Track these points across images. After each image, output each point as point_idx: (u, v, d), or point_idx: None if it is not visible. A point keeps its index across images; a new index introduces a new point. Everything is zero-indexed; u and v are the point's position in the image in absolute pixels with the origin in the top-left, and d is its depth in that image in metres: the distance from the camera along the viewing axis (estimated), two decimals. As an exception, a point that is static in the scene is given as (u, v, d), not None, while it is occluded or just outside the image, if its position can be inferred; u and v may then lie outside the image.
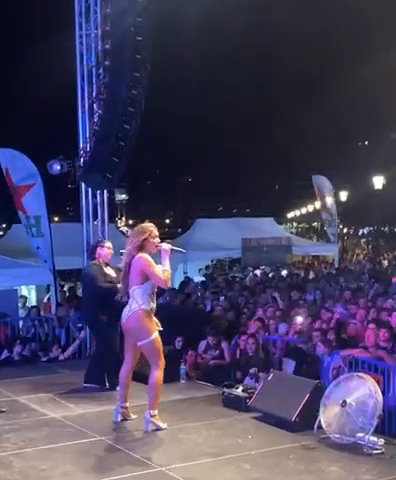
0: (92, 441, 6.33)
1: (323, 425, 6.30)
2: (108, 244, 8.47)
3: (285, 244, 22.15)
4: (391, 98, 36.05)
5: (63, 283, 17.52)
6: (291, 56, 42.32)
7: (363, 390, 6.21)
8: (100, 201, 10.88)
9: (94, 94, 10.49)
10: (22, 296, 13.86)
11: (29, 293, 15.48)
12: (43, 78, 32.70)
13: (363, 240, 48.47)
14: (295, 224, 66.54)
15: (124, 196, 64.12)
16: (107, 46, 10.10)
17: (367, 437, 5.99)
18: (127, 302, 6.61)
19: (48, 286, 14.24)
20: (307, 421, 6.43)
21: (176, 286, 16.89)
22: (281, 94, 46.92)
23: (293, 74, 45.84)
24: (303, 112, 42.53)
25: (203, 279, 18.69)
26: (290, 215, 63.54)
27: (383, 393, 6.53)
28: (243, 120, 50.01)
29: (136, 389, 7.09)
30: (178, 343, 9.43)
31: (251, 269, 20.52)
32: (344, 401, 6.21)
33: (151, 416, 6.49)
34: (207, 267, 21.12)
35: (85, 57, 10.67)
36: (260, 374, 8.09)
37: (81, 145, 10.60)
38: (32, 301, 15.24)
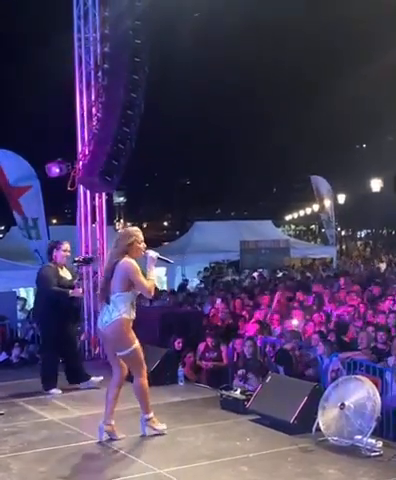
0: (90, 444, 6.32)
1: (321, 427, 6.30)
2: (65, 246, 8.39)
3: (283, 246, 22.20)
4: (389, 101, 36.14)
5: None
6: (291, 58, 42.42)
7: (361, 392, 6.22)
8: (98, 204, 10.88)
9: (93, 97, 10.51)
10: (21, 298, 13.87)
11: (28, 295, 15.48)
12: (42, 81, 32.80)
13: (359, 243, 48.54)
14: (293, 227, 66.67)
15: (122, 199, 64.25)
16: (106, 49, 10.11)
17: (365, 439, 5.99)
18: (105, 308, 6.20)
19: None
20: (305, 423, 6.43)
21: (175, 288, 16.93)
22: (280, 97, 46.97)
23: (293, 76, 45.90)
24: (302, 115, 42.59)
25: (201, 281, 18.72)
26: (288, 218, 63.67)
27: (381, 395, 6.54)
28: (241, 123, 50.11)
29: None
30: (177, 345, 9.44)
31: (247, 272, 20.53)
32: (342, 403, 6.22)
33: (147, 420, 6.35)
34: (205, 269, 21.15)
35: (84, 60, 10.68)
36: (249, 375, 8.08)
37: (80, 148, 10.61)
38: (31, 303, 15.24)
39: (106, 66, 10.09)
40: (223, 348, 9.51)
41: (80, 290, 8.31)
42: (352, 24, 37.00)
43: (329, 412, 6.32)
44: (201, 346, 9.60)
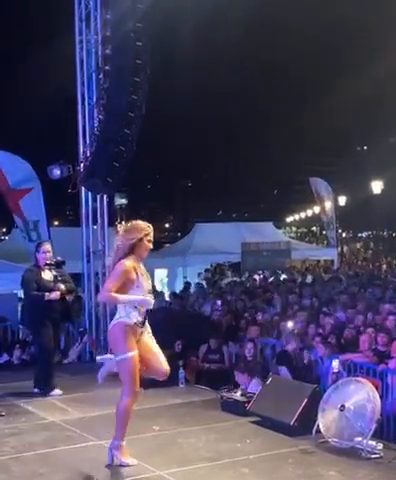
0: (91, 445, 6.34)
1: (322, 429, 6.31)
2: (44, 248, 8.34)
3: (284, 248, 22.20)
4: (391, 102, 36.14)
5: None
6: (291, 57, 42.37)
7: (362, 394, 6.23)
8: (100, 205, 10.91)
9: (94, 99, 10.53)
10: (22, 300, 13.84)
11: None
12: (43, 82, 32.81)
13: (359, 244, 48.51)
14: (294, 228, 66.66)
15: (124, 200, 64.19)
16: (107, 51, 10.13)
17: (365, 441, 6.00)
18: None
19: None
20: (306, 425, 6.44)
21: (175, 290, 16.94)
22: (280, 98, 46.96)
23: (292, 77, 45.86)
24: (303, 116, 42.56)
25: (203, 282, 18.70)
26: (289, 219, 63.66)
27: (381, 397, 6.55)
28: (242, 124, 50.07)
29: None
30: (178, 346, 9.44)
31: (247, 274, 20.53)
32: (343, 405, 6.23)
33: (118, 447, 5.61)
34: (207, 271, 21.15)
35: (85, 62, 10.71)
36: (254, 380, 8.07)
37: (81, 150, 10.63)
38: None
39: (107, 68, 10.11)
40: (225, 350, 9.52)
41: (57, 293, 8.21)
42: (352, 24, 37.05)
43: (329, 414, 6.33)
44: (202, 348, 9.61)
